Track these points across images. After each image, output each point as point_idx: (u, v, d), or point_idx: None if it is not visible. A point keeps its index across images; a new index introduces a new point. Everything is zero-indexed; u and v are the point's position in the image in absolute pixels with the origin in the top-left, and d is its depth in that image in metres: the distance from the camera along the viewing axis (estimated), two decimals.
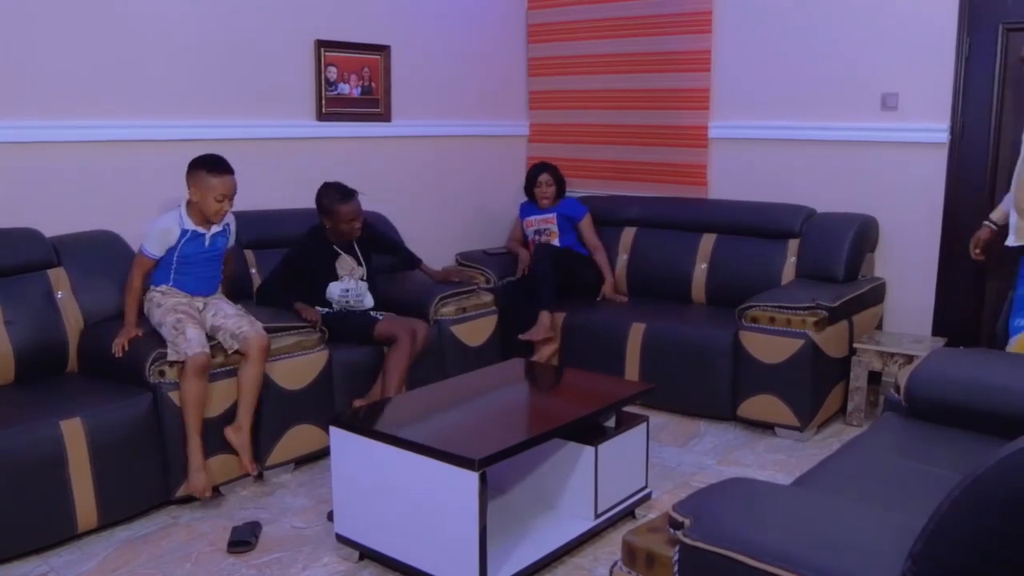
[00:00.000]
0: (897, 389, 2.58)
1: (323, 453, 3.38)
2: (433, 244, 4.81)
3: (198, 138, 3.62)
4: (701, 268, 4.49)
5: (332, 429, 2.67)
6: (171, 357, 2.99)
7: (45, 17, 3.35)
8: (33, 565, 2.69)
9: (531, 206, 4.76)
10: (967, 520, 1.26)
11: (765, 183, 4.58)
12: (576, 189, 4.99)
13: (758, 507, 1.65)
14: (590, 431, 2.85)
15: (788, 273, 4.25)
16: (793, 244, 4.28)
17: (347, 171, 4.16)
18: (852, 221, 4.18)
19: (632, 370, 4.09)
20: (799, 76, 4.44)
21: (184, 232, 3.19)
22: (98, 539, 2.86)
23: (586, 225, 4.70)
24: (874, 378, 3.93)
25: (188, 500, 3.07)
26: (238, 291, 3.59)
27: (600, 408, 2.86)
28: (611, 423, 2.95)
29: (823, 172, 4.43)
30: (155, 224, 3.22)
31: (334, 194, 3.64)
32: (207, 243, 3.25)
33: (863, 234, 4.16)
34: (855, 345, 3.91)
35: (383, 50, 4.50)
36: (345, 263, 3.71)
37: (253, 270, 3.85)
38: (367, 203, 4.34)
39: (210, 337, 3.11)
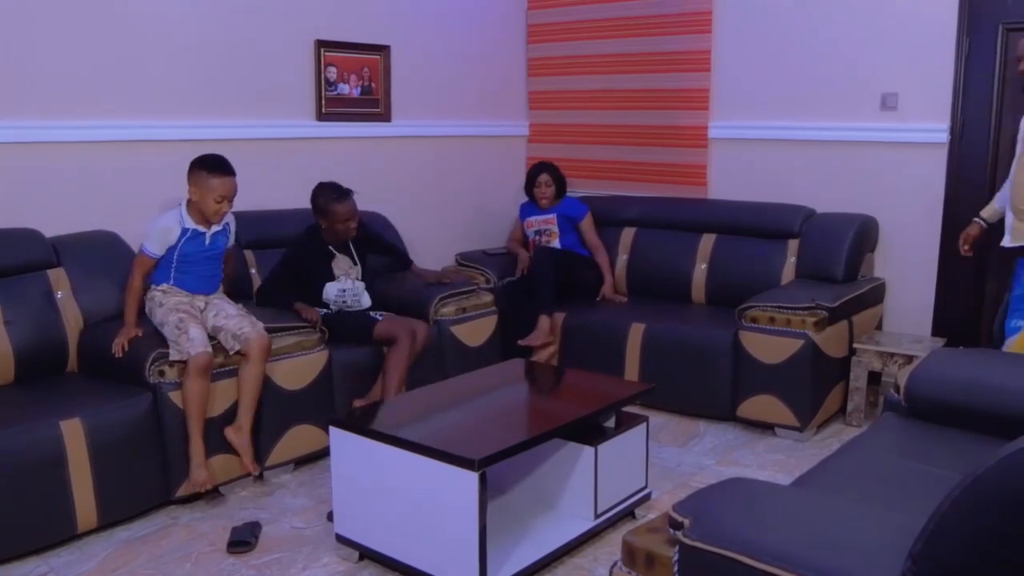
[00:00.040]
0: (897, 389, 2.58)
1: (323, 453, 3.38)
2: (433, 244, 4.81)
3: (198, 138, 3.62)
4: (701, 268, 4.49)
5: (332, 429, 2.67)
6: (173, 357, 2.99)
7: (45, 17, 3.35)
8: (33, 565, 2.69)
9: (531, 206, 4.76)
10: (967, 520, 1.26)
11: (765, 183, 4.58)
12: (576, 189, 4.99)
13: (758, 507, 1.65)
14: (590, 431, 2.86)
15: (788, 273, 4.26)
16: (793, 244, 4.28)
17: (347, 171, 4.16)
18: (852, 221, 4.18)
19: (632, 370, 4.09)
20: (799, 76, 4.44)
21: (184, 231, 3.19)
22: (98, 539, 2.86)
23: (587, 225, 4.69)
24: (874, 378, 3.93)
25: (188, 500, 3.07)
26: (238, 291, 3.59)
27: (600, 408, 2.86)
28: (611, 423, 2.95)
29: (823, 172, 4.43)
30: (155, 223, 3.22)
31: (329, 194, 3.64)
32: (207, 242, 3.25)
33: (863, 234, 4.16)
34: (855, 345, 3.91)
35: (383, 50, 4.50)
36: (341, 263, 3.71)
37: (253, 270, 3.85)
38: (367, 203, 4.34)
39: (211, 337, 3.11)
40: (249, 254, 3.86)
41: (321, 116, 4.28)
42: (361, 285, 3.74)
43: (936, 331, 4.19)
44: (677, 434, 3.84)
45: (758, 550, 1.48)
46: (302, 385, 3.36)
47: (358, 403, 3.51)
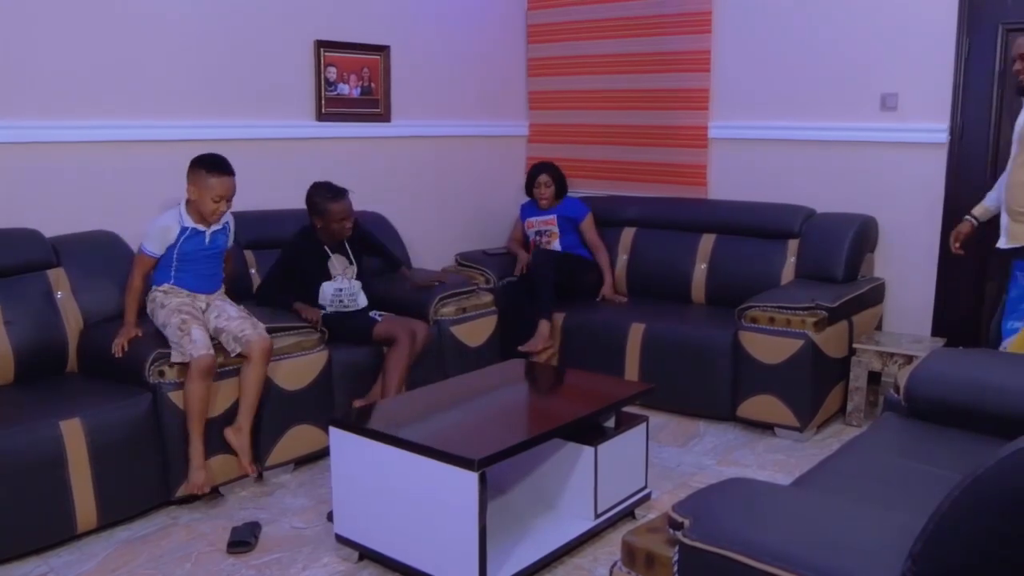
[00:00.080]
0: (897, 389, 2.58)
1: (323, 453, 3.38)
2: (433, 244, 4.81)
3: (198, 138, 3.62)
4: (701, 268, 4.49)
5: (332, 429, 2.67)
6: (175, 359, 2.99)
7: (45, 17, 3.35)
8: (33, 565, 2.69)
9: (532, 206, 4.76)
10: (967, 520, 1.26)
11: (765, 183, 4.58)
12: (576, 189, 4.98)
13: (758, 507, 1.65)
14: (590, 431, 2.85)
15: (788, 273, 4.26)
16: (793, 244, 4.28)
17: (347, 171, 4.16)
18: (852, 221, 4.18)
19: (632, 370, 4.09)
20: (799, 76, 4.45)
21: (184, 229, 3.19)
22: (98, 539, 2.86)
23: (588, 225, 4.69)
24: (874, 378, 3.93)
25: (188, 500, 3.07)
26: (238, 291, 3.58)
27: (600, 408, 2.86)
28: (611, 423, 2.95)
29: (823, 172, 4.43)
30: (154, 222, 3.22)
31: (325, 193, 3.64)
32: (207, 240, 3.25)
33: (863, 234, 4.17)
34: (855, 345, 3.91)
35: (383, 50, 4.50)
36: (337, 263, 3.71)
37: (253, 270, 3.85)
38: (367, 203, 4.35)
39: (212, 339, 3.11)
40: (249, 254, 3.86)
41: (321, 116, 4.28)
42: (357, 284, 3.73)
43: (936, 331, 4.19)
44: (677, 434, 3.84)
45: (758, 550, 1.48)
46: (302, 385, 3.36)
47: (358, 403, 3.51)
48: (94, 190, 3.54)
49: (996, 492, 1.23)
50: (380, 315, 3.71)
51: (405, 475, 2.48)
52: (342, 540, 2.71)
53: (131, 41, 3.60)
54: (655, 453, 3.54)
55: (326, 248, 3.69)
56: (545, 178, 4.65)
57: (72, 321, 3.22)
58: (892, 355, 3.81)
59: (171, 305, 3.12)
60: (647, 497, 3.05)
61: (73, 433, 2.74)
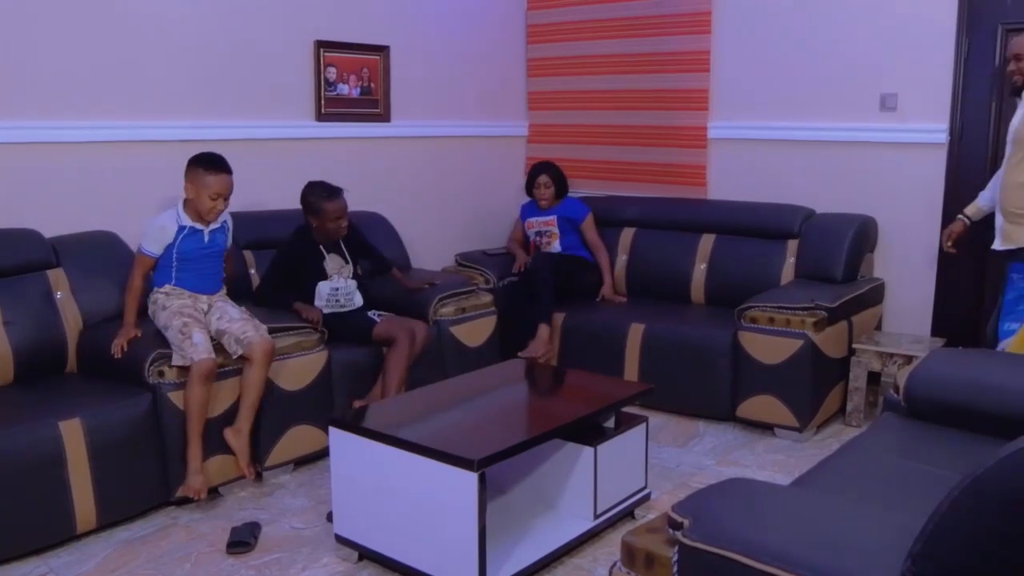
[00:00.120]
0: (896, 389, 2.58)
1: (322, 454, 3.38)
2: (433, 244, 4.81)
3: (198, 138, 3.62)
4: (700, 268, 4.49)
5: (331, 430, 2.67)
6: (176, 362, 2.98)
7: (45, 17, 3.35)
8: (32, 566, 2.69)
9: (532, 207, 4.76)
10: (967, 520, 1.26)
11: (764, 183, 4.59)
12: (575, 189, 4.98)
13: (757, 507, 1.65)
14: (589, 431, 2.85)
15: (787, 273, 4.26)
16: (792, 244, 4.28)
17: (346, 171, 4.16)
18: (851, 221, 4.18)
19: (631, 370, 4.09)
20: (798, 76, 4.45)
21: (181, 228, 3.19)
22: (97, 540, 2.85)
23: (588, 226, 4.69)
24: (873, 378, 3.93)
25: (187, 501, 3.07)
26: (237, 291, 3.58)
27: (599, 408, 2.86)
28: (610, 423, 2.95)
29: (822, 172, 4.44)
30: (152, 222, 3.22)
31: (320, 192, 3.64)
32: (206, 239, 3.25)
33: (862, 234, 4.17)
34: (854, 345, 3.91)
35: (382, 50, 4.50)
36: (333, 262, 3.70)
37: (252, 270, 3.85)
38: (366, 204, 4.35)
39: (214, 340, 3.11)
40: (248, 254, 3.85)
41: (320, 116, 4.28)
42: (353, 284, 3.72)
43: (936, 331, 4.20)
44: (677, 434, 3.84)
45: (758, 550, 1.48)
46: (302, 385, 3.36)
47: (358, 404, 3.51)
48: (94, 190, 3.54)
49: (996, 492, 1.23)
50: (379, 315, 3.71)
51: (405, 475, 2.48)
52: (342, 540, 2.71)
53: (131, 41, 3.60)
54: (655, 453, 3.54)
55: (321, 248, 3.69)
56: (545, 179, 4.65)
57: (72, 321, 3.22)
58: (892, 355, 3.81)
59: (172, 307, 3.12)
60: (647, 497, 3.05)
61: (72, 433, 2.74)
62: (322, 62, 4.24)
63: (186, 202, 3.22)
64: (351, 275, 3.74)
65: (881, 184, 4.27)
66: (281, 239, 3.79)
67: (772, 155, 4.59)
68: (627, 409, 3.07)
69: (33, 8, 3.31)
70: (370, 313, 3.72)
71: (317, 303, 3.62)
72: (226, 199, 3.22)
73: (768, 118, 4.56)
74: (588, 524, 2.79)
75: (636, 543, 1.69)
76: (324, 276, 3.66)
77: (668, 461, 3.53)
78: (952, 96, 4.05)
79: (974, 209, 3.69)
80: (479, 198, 5.14)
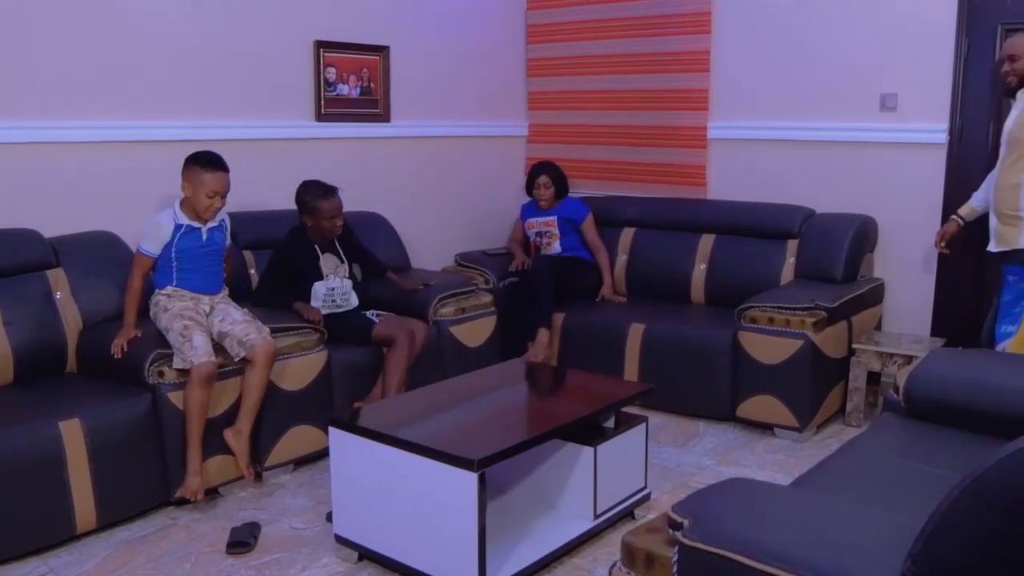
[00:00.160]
0: (896, 389, 2.58)
1: (322, 454, 3.38)
2: (433, 245, 4.81)
3: (198, 139, 3.62)
4: (700, 269, 4.49)
5: (331, 430, 2.67)
6: (177, 365, 2.98)
7: (45, 17, 3.35)
8: (32, 566, 2.69)
9: (532, 207, 4.75)
10: (967, 520, 1.26)
11: (764, 184, 4.59)
12: (575, 190, 4.98)
13: (757, 507, 1.65)
14: (589, 432, 2.85)
15: (787, 273, 4.26)
16: (792, 244, 4.28)
17: (346, 172, 4.16)
18: (851, 222, 4.18)
19: (631, 370, 4.09)
20: (798, 76, 4.45)
21: (178, 227, 3.19)
22: (97, 540, 2.85)
23: (588, 226, 4.69)
24: (873, 378, 3.93)
25: (186, 501, 3.06)
26: (237, 292, 3.57)
27: (599, 409, 2.86)
28: (610, 424, 2.95)
29: (822, 172, 4.44)
30: (149, 221, 3.23)
31: (315, 191, 3.64)
32: (204, 237, 3.25)
33: (862, 234, 4.17)
34: (854, 345, 3.91)
35: (382, 51, 4.50)
36: (328, 262, 3.70)
37: (252, 270, 3.85)
38: (366, 204, 4.36)
39: (217, 343, 3.10)
40: (248, 254, 3.85)
41: (320, 116, 4.28)
42: (349, 284, 3.72)
43: (935, 331, 4.20)
44: (676, 434, 3.84)
45: (758, 550, 1.48)
46: (301, 386, 3.36)
47: (359, 406, 3.50)
48: (94, 190, 3.54)
49: (996, 492, 1.23)
50: (378, 316, 3.71)
51: (405, 475, 2.48)
52: (341, 540, 2.71)
53: (131, 41, 3.60)
54: (655, 453, 3.54)
55: (316, 247, 3.68)
56: (545, 179, 4.65)
57: (71, 321, 3.22)
58: (891, 355, 3.81)
59: (174, 310, 3.12)
60: (647, 497, 3.05)
61: (72, 433, 2.74)
62: (322, 62, 4.24)
63: (183, 201, 3.22)
64: (346, 275, 3.74)
65: (881, 184, 4.27)
66: (280, 239, 3.79)
67: (772, 155, 4.59)
68: (627, 409, 3.07)
69: (33, 8, 3.31)
70: (369, 313, 3.72)
71: (313, 303, 3.61)
72: (223, 197, 3.22)
73: (768, 118, 4.56)
74: (588, 524, 2.79)
75: (636, 543, 1.69)
76: (320, 276, 3.66)
77: (668, 461, 3.53)
78: (952, 96, 4.05)
79: (967, 210, 3.70)
80: (479, 198, 5.14)
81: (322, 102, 4.27)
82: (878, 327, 4.29)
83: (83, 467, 2.76)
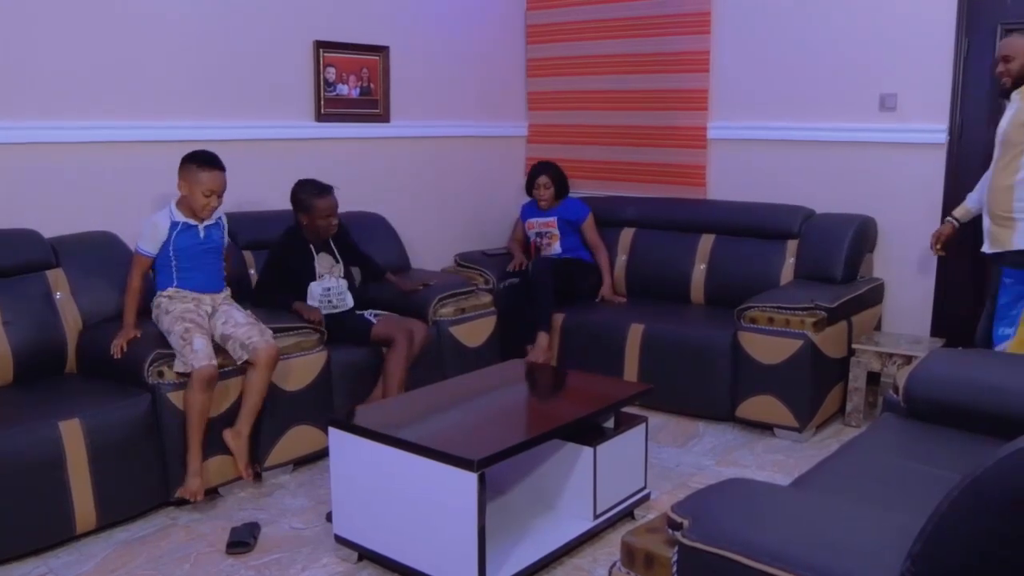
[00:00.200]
0: (896, 390, 2.58)
1: (322, 454, 3.38)
2: (432, 245, 4.81)
3: (198, 139, 3.61)
4: (700, 269, 4.49)
5: (331, 430, 2.67)
6: (178, 369, 2.98)
7: (45, 17, 3.35)
8: (32, 566, 2.69)
9: (533, 207, 4.75)
10: (966, 520, 1.26)
11: (764, 184, 4.59)
12: (575, 190, 4.97)
13: (757, 508, 1.65)
14: (589, 432, 2.85)
15: (787, 274, 4.26)
16: (792, 245, 4.28)
17: (346, 172, 4.16)
18: (851, 222, 4.18)
19: (631, 371, 4.09)
20: (798, 77, 4.45)
21: (174, 224, 3.18)
22: (97, 540, 2.85)
23: (588, 226, 4.69)
24: (873, 379, 3.93)
25: (186, 502, 3.06)
26: (237, 292, 3.57)
27: (599, 409, 2.86)
28: (610, 424, 2.95)
29: (822, 173, 4.44)
30: (146, 221, 3.23)
31: (310, 190, 3.64)
32: (202, 235, 3.24)
33: (862, 235, 4.17)
34: (854, 346, 3.91)
35: (382, 51, 4.50)
36: (324, 261, 3.70)
37: (252, 270, 3.85)
38: (366, 204, 4.36)
39: (219, 345, 3.10)
40: (248, 254, 3.85)
41: (320, 117, 4.28)
42: (344, 284, 3.72)
43: (935, 331, 4.20)
44: (676, 434, 3.84)
45: (757, 551, 1.48)
46: (301, 386, 3.36)
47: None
48: (94, 190, 3.54)
49: (996, 492, 1.23)
50: (376, 316, 3.70)
51: (404, 476, 2.48)
52: (341, 541, 2.71)
53: (131, 41, 3.59)
54: (654, 453, 3.54)
55: (311, 247, 3.68)
56: (544, 179, 4.64)
57: (71, 322, 3.22)
58: (891, 355, 3.81)
59: (175, 312, 3.11)
60: (646, 497, 3.05)
61: (72, 434, 2.74)
62: (322, 62, 4.24)
63: (180, 200, 3.22)
64: (342, 274, 3.74)
65: (881, 184, 4.27)
66: (276, 239, 3.79)
67: (772, 155, 4.59)
68: (627, 409, 3.07)
69: (33, 8, 3.31)
70: (367, 313, 3.72)
71: (310, 303, 3.61)
72: (219, 196, 3.22)
73: (767, 118, 4.56)
74: (588, 524, 2.79)
75: (636, 543, 1.69)
76: (315, 275, 3.66)
77: (668, 461, 3.53)
78: (952, 96, 4.05)
79: (962, 211, 3.70)
80: (479, 198, 5.14)
81: (322, 102, 4.27)
82: (878, 327, 4.29)
83: (83, 467, 2.76)
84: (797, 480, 2.19)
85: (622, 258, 4.76)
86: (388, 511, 2.54)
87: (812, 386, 3.71)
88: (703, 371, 3.91)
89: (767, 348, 3.74)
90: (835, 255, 4.10)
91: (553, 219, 4.67)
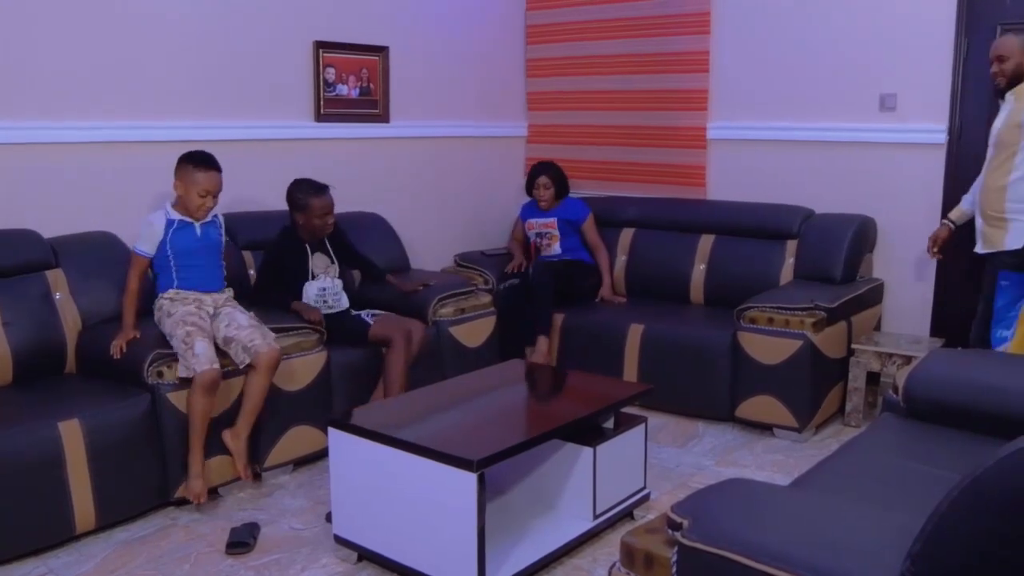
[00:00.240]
0: (895, 390, 2.58)
1: (322, 454, 3.37)
2: (432, 245, 4.81)
3: (197, 139, 3.61)
4: (700, 269, 4.49)
5: (330, 430, 2.67)
6: (180, 373, 2.98)
7: (45, 17, 3.35)
8: (32, 566, 2.69)
9: (533, 207, 4.75)
10: (966, 520, 1.26)
11: (763, 184, 4.59)
12: (574, 190, 4.97)
13: (757, 508, 1.65)
14: (589, 432, 2.85)
15: (786, 274, 4.26)
16: (791, 245, 4.28)
17: (346, 172, 4.16)
18: (850, 222, 4.19)
19: (631, 371, 4.09)
20: (798, 77, 4.45)
21: (170, 222, 3.18)
22: (96, 540, 2.85)
23: (588, 226, 4.68)
24: (872, 379, 3.93)
25: (186, 502, 3.06)
26: (236, 292, 3.57)
27: (599, 409, 2.86)
28: (610, 424, 2.95)
29: (821, 173, 4.44)
30: (142, 222, 3.23)
31: (306, 189, 3.64)
32: (199, 232, 3.24)
33: (861, 235, 4.17)
34: (853, 346, 3.91)
35: (382, 51, 4.50)
36: (319, 261, 3.70)
37: (251, 271, 3.84)
38: (365, 204, 4.36)
39: (222, 349, 3.10)
40: (247, 255, 3.85)
41: (320, 117, 4.28)
42: (339, 284, 3.72)
43: (935, 331, 4.20)
44: (676, 435, 3.84)
45: (757, 551, 1.48)
46: (301, 386, 3.36)
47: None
48: (93, 190, 3.54)
49: (995, 492, 1.23)
50: (374, 316, 3.69)
51: (404, 476, 2.48)
52: (341, 541, 2.71)
53: (131, 41, 3.59)
54: (654, 454, 3.54)
55: (307, 246, 3.68)
56: (544, 180, 4.64)
57: (71, 322, 3.22)
58: (891, 355, 3.81)
59: (177, 315, 3.10)
60: (646, 498, 3.05)
61: (72, 434, 2.74)
62: (321, 62, 4.24)
63: (176, 200, 3.22)
64: (337, 275, 3.74)
65: (880, 184, 4.27)
66: (272, 239, 3.79)
67: (771, 155, 4.59)
68: (626, 409, 3.07)
69: (33, 8, 3.31)
70: (364, 314, 3.71)
71: (306, 303, 3.61)
72: (215, 197, 3.22)
73: (768, 118, 4.57)
74: (587, 524, 2.79)
75: (635, 543, 1.69)
76: (311, 275, 3.65)
77: (667, 461, 3.53)
78: (951, 96, 4.05)
79: (958, 213, 3.71)
80: (479, 198, 5.14)
81: (321, 102, 4.27)
82: (877, 327, 4.29)
83: (82, 467, 2.76)
84: (797, 480, 2.19)
85: (622, 258, 4.76)
86: (388, 511, 2.54)
87: (812, 386, 3.71)
88: (703, 371, 3.91)
89: (767, 348, 3.74)
90: (835, 255, 4.11)
91: (553, 219, 4.67)
